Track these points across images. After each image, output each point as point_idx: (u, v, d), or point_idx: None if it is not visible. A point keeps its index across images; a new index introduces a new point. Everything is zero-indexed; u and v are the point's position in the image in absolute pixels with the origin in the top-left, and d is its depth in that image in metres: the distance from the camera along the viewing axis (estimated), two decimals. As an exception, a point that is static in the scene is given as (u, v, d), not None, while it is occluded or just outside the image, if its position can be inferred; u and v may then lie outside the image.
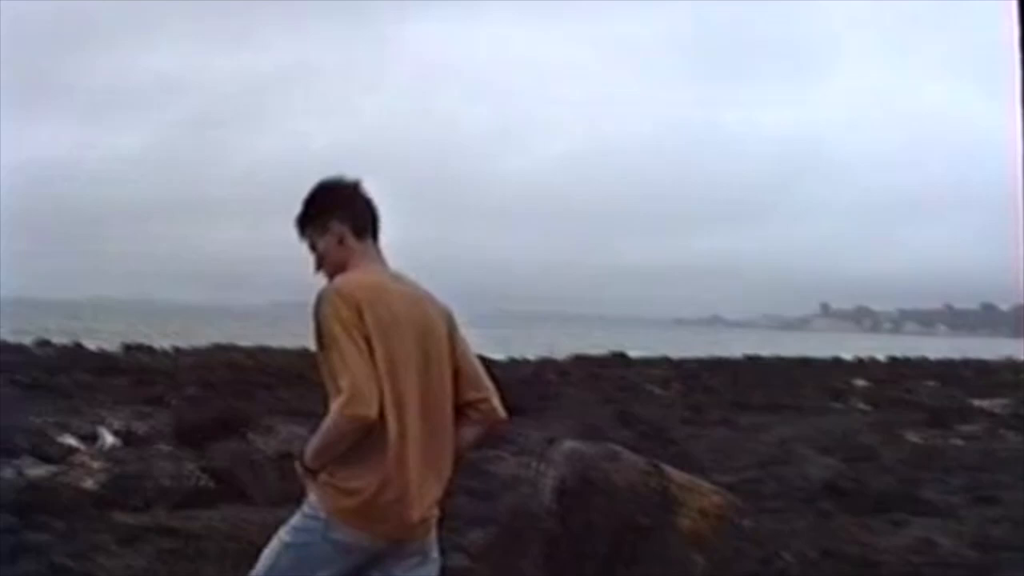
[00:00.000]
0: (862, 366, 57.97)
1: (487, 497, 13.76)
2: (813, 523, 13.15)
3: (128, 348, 55.59)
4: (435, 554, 5.14)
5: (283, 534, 5.02)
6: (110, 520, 11.96)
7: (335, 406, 4.77)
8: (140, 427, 23.51)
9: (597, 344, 73.07)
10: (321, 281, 5.16)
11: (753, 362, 55.95)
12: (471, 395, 5.16)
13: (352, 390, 4.68)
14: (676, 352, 64.22)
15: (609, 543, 7.73)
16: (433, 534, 5.09)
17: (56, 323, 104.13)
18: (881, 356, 67.82)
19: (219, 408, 21.29)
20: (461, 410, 5.14)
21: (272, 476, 14.73)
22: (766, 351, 69.00)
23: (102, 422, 25.36)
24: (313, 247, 5.23)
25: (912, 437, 23.56)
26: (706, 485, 9.12)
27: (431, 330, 5.07)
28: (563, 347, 68.85)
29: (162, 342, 66.12)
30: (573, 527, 7.73)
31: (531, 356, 55.89)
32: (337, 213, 5.17)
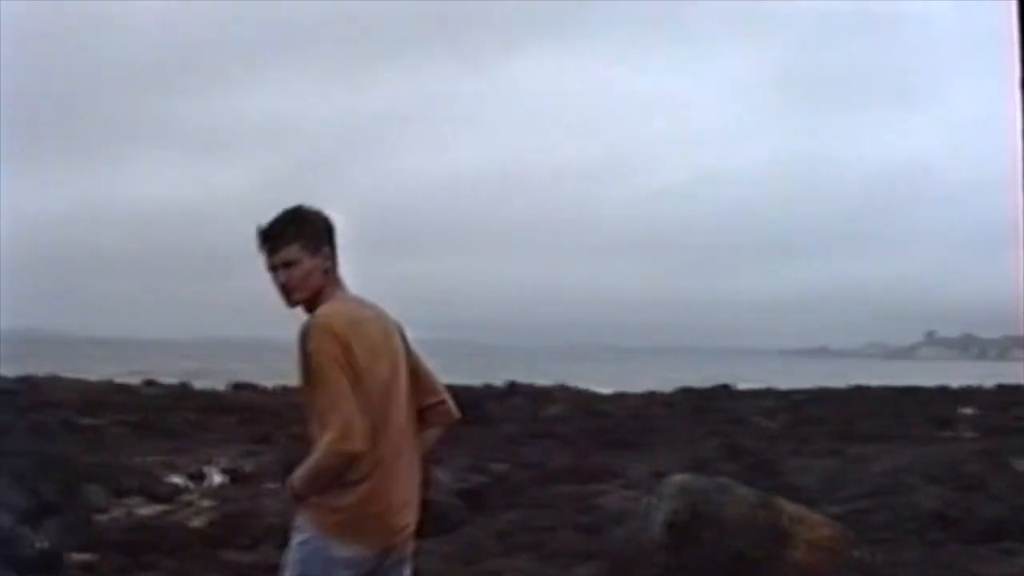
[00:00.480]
0: (969, 394, 57.11)
1: (595, 531, 13.72)
2: (923, 553, 13.00)
3: (235, 387, 55.97)
4: (409, 554, 5.44)
5: (288, 572, 5.26)
6: (219, 558, 12.05)
7: (325, 442, 5.01)
8: (247, 465, 23.67)
9: (702, 376, 72.72)
10: (272, 290, 5.38)
11: (860, 392, 55.30)
12: (430, 399, 5.47)
13: (343, 428, 4.96)
14: (782, 383, 63.61)
15: (721, 576, 7.69)
16: (411, 543, 5.41)
17: (164, 363, 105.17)
18: (988, 383, 66.82)
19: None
20: (421, 414, 5.44)
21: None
22: (872, 380, 68.26)
23: (210, 461, 25.56)
24: (288, 263, 5.30)
25: (1021, 465, 23.20)
26: (817, 517, 9.05)
27: (396, 350, 5.34)
28: (668, 380, 68.59)
29: (269, 380, 66.56)
30: (685, 560, 7.70)
31: (637, 389, 55.71)
32: (330, 240, 5.38)
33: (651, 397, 48.55)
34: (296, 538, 5.25)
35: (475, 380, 63.31)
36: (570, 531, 13.91)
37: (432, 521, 14.73)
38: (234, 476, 22.40)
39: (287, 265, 5.28)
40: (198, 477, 22.76)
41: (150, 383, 54.59)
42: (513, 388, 49.74)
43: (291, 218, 5.35)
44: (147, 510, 18.48)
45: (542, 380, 60.16)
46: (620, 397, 49.14)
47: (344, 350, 5.04)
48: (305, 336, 5.14)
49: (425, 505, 15.16)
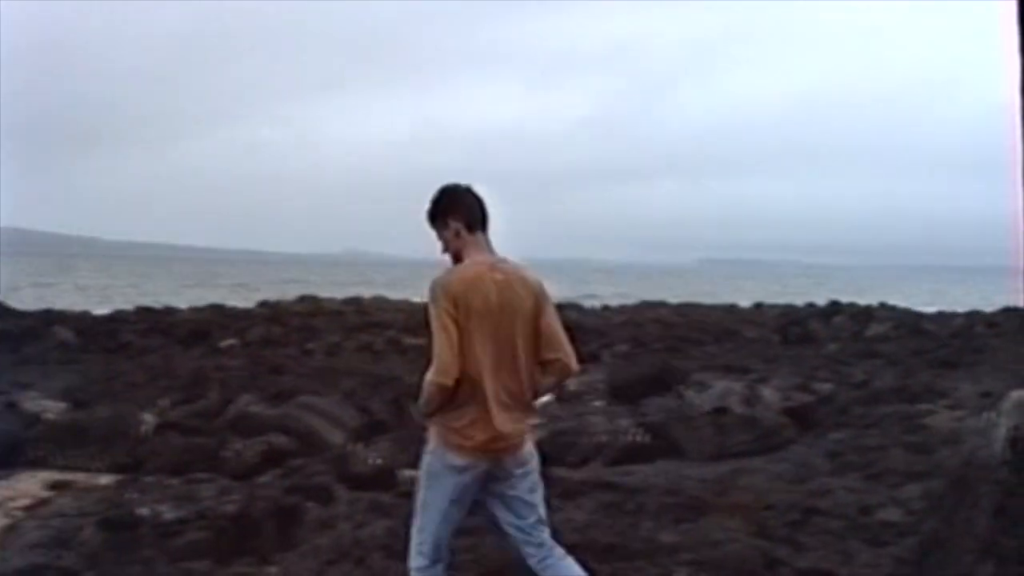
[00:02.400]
0: None
1: (924, 451, 13.50)
2: None
3: (559, 307, 56.55)
4: (533, 464, 6.82)
5: (420, 473, 6.87)
6: (550, 475, 12.21)
7: (428, 374, 6.49)
8: (573, 384, 23.95)
9: (1026, 296, 70.63)
10: (447, 261, 6.84)
11: None
12: (549, 355, 6.73)
13: (437, 364, 6.43)
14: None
15: (1063, 494, 7.49)
16: (524, 451, 6.74)
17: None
18: None
19: (651, 364, 21.47)
20: (543, 364, 6.74)
21: (707, 431, 14.78)
22: None
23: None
24: (440, 237, 6.86)
25: None
26: None
27: (516, 309, 6.61)
28: (991, 300, 66.91)
29: (590, 300, 67.17)
30: (1026, 478, 7.52)
31: (959, 309, 54.53)
32: (454, 213, 6.77)
33: (974, 316, 47.41)
34: (426, 447, 6.78)
35: (798, 299, 62.75)
36: (899, 450, 13.68)
37: (760, 439, 14.82)
38: (560, 395, 22.68)
39: (440, 238, 6.87)
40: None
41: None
42: (836, 307, 49.21)
43: (431, 203, 6.87)
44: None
45: (864, 299, 59.46)
46: (943, 316, 48.20)
47: (453, 304, 6.45)
48: (429, 290, 6.57)
49: (753, 422, 15.17)
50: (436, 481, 6.71)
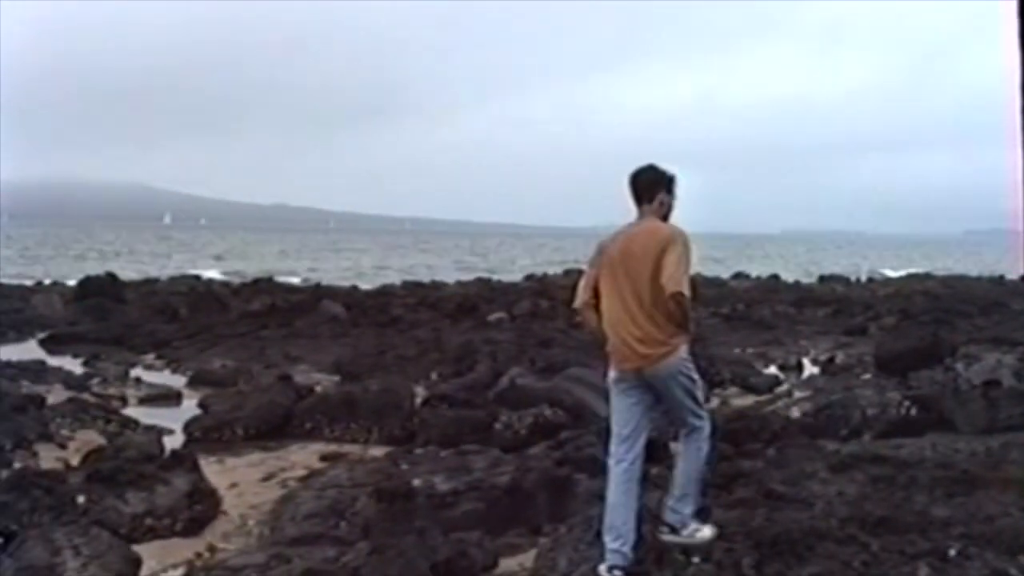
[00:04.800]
0: None
1: None
2: None
3: (823, 279, 56.08)
4: (677, 375, 8.07)
5: None
6: (819, 448, 12.12)
7: None
8: (841, 356, 23.72)
9: None
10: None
11: None
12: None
13: (575, 294, 8.44)
14: None
15: None
16: (664, 365, 8.04)
17: (742, 258, 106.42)
18: None
19: (919, 337, 21.13)
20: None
21: (977, 404, 14.52)
22: None
23: (804, 352, 25.78)
24: None
25: None
26: None
27: (639, 255, 8.00)
28: None
29: (858, 273, 66.34)
30: None
31: None
32: (631, 190, 8.31)
33: None
34: None
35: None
36: None
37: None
38: (828, 368, 22.50)
39: None
40: (793, 368, 23.02)
41: (738, 275, 55.50)
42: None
43: None
44: (744, 400, 18.82)
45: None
46: None
47: (598, 253, 8.34)
48: None
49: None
50: (609, 392, 8.51)
